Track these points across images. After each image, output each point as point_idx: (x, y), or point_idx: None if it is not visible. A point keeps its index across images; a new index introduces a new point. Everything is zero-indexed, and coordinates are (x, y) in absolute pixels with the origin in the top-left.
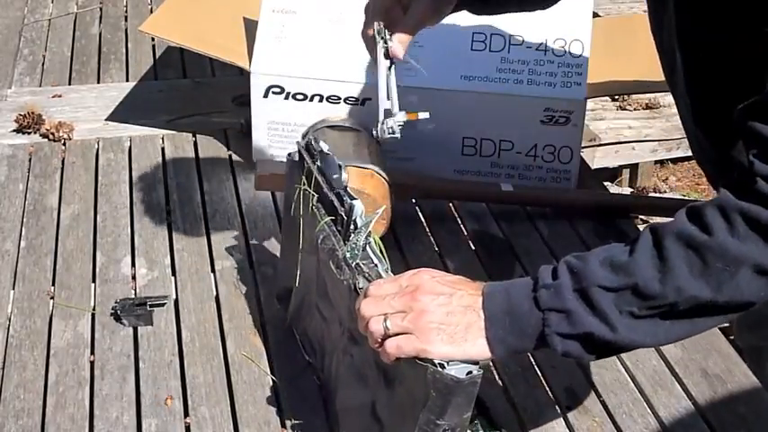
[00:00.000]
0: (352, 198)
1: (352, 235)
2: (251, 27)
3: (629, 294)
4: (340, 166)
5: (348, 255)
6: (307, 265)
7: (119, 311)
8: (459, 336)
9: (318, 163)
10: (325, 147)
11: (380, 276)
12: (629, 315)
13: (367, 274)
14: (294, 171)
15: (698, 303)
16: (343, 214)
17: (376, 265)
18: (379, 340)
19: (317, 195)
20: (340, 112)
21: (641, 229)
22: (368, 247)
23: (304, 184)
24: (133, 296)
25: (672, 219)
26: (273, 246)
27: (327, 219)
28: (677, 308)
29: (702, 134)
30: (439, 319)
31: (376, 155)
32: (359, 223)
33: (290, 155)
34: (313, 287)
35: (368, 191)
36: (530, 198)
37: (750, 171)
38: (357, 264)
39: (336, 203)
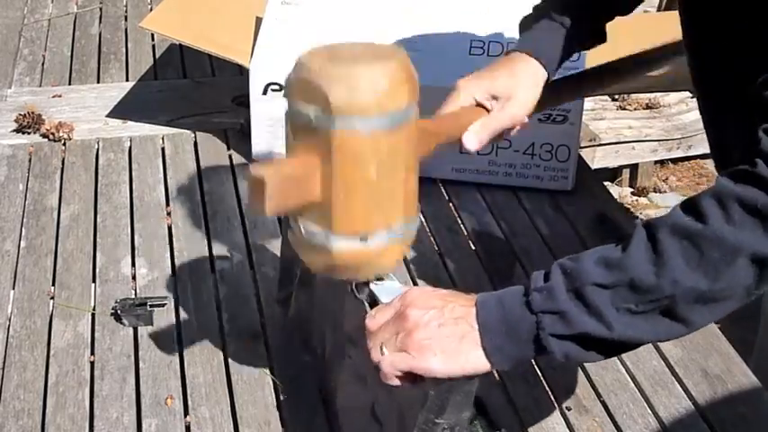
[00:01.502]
0: None
1: None
2: (254, 25)
3: (626, 290)
4: None
5: None
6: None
7: (119, 311)
8: (454, 348)
9: None
10: None
11: (379, 277)
12: (626, 312)
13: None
14: None
15: (695, 295)
16: None
17: None
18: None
19: None
20: None
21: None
22: None
23: None
24: (133, 296)
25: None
26: (273, 246)
27: None
28: (675, 301)
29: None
30: (431, 334)
31: None
32: None
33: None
34: (312, 290)
35: None
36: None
37: (755, 150)
38: None
39: None
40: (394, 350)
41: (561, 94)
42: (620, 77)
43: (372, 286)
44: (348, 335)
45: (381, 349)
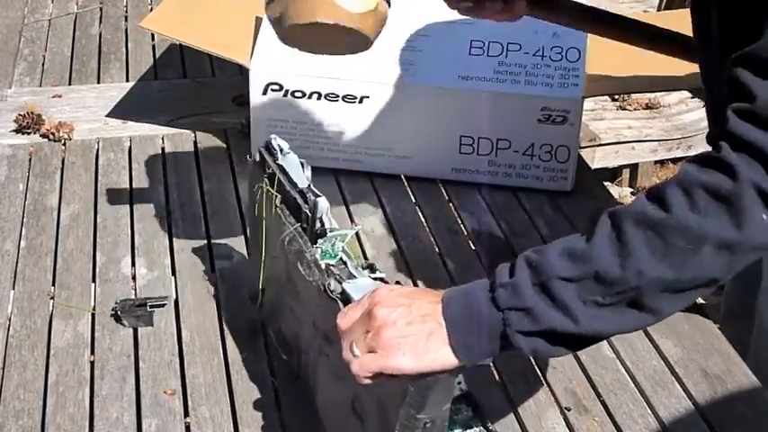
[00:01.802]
0: (317, 195)
1: (324, 238)
2: (254, 25)
3: (591, 283)
4: (302, 164)
5: (318, 257)
6: (275, 267)
7: (119, 312)
8: (421, 347)
9: (280, 162)
10: (285, 145)
11: (352, 275)
12: (593, 305)
13: (337, 276)
14: (256, 172)
15: (662, 286)
16: (307, 212)
17: (345, 264)
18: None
19: (279, 196)
20: (338, 111)
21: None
22: (337, 243)
23: (266, 185)
24: (133, 296)
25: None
26: None
27: (293, 221)
28: (641, 293)
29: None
30: (399, 333)
31: None
32: (325, 222)
33: (250, 156)
34: (284, 288)
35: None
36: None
37: (722, 131)
38: (327, 265)
39: (300, 201)
40: (364, 349)
41: (571, 16)
42: (625, 36)
43: (345, 284)
44: (324, 333)
45: (352, 348)
